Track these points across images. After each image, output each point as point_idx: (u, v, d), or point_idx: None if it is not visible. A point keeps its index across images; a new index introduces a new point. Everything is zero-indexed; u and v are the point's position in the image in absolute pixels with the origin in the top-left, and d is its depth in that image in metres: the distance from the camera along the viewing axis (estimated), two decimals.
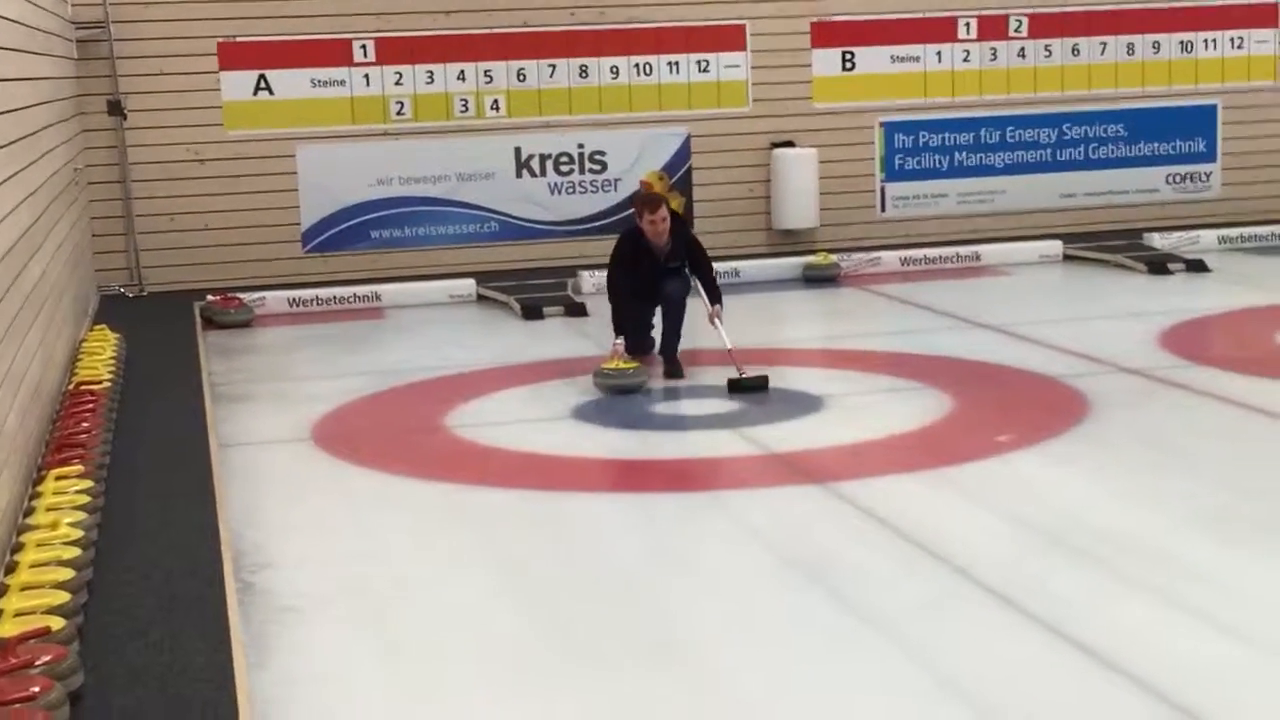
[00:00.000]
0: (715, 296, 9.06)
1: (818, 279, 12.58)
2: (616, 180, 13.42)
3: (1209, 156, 14.41)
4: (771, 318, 11.57)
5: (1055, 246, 13.29)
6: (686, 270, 9.17)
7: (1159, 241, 13.21)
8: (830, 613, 5.24)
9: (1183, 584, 5.29)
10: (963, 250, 13.25)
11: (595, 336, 10.61)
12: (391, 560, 6.04)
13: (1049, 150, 14.13)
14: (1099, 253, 12.96)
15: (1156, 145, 14.27)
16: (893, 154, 13.91)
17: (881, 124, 13.87)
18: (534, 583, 5.69)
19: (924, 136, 13.94)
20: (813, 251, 13.12)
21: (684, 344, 9.18)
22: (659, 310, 9.27)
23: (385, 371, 9.69)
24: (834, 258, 12.80)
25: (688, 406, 8.49)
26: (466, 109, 13.14)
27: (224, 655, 4.81)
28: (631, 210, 9.61)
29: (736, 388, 8.33)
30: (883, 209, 13.96)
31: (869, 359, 9.57)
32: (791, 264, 12.89)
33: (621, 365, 8.59)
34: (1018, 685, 4.54)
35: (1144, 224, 13.91)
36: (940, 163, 14.01)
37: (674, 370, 8.93)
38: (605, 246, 13.15)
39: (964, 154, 14.03)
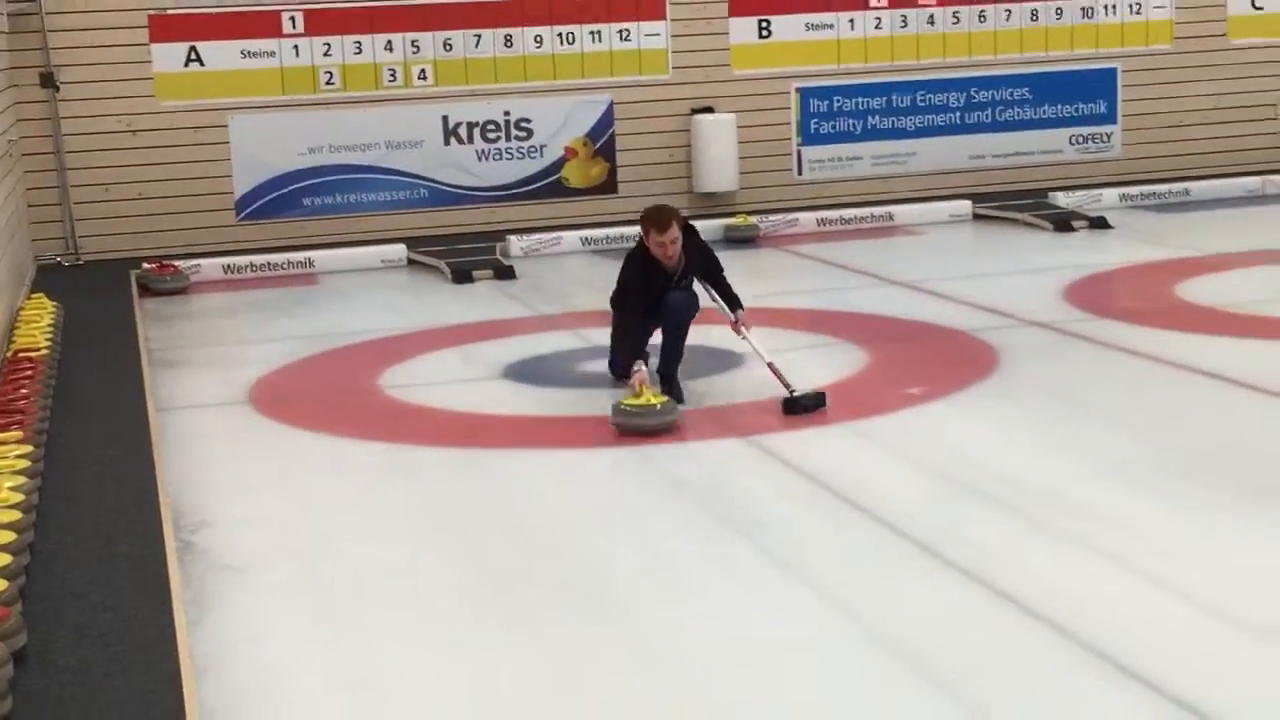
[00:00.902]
0: (736, 303, 7.59)
1: (738, 240, 12.58)
2: (542, 146, 13.39)
3: (1110, 118, 14.53)
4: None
5: (964, 206, 13.36)
6: (694, 283, 7.61)
7: (1063, 200, 13.30)
8: (756, 562, 5.26)
9: (1090, 527, 5.34)
10: (876, 211, 13.29)
11: (523, 298, 10.60)
12: (328, 519, 6.00)
13: (958, 114, 14.20)
14: (1006, 211, 13.05)
15: (1060, 108, 14.38)
16: (808, 119, 13.93)
17: (797, 90, 13.89)
18: (467, 538, 5.68)
19: (838, 101, 13.97)
20: (733, 214, 13.13)
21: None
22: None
23: (319, 335, 9.62)
24: (753, 219, 12.82)
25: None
26: (395, 79, 13.04)
27: (164, 614, 4.78)
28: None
29: (794, 408, 6.87)
30: (799, 172, 13.99)
31: (788, 316, 9.59)
32: (712, 226, 12.80)
33: (651, 400, 6.72)
34: (942, 632, 4.56)
35: (1049, 183, 14.02)
36: (854, 127, 14.05)
37: (674, 394, 7.18)
38: (531, 211, 13.28)
39: (877, 118, 14.08)
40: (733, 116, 13.57)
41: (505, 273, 11.46)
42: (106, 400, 7.88)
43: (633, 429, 6.67)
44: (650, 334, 7.47)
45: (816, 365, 7.98)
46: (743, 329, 7.41)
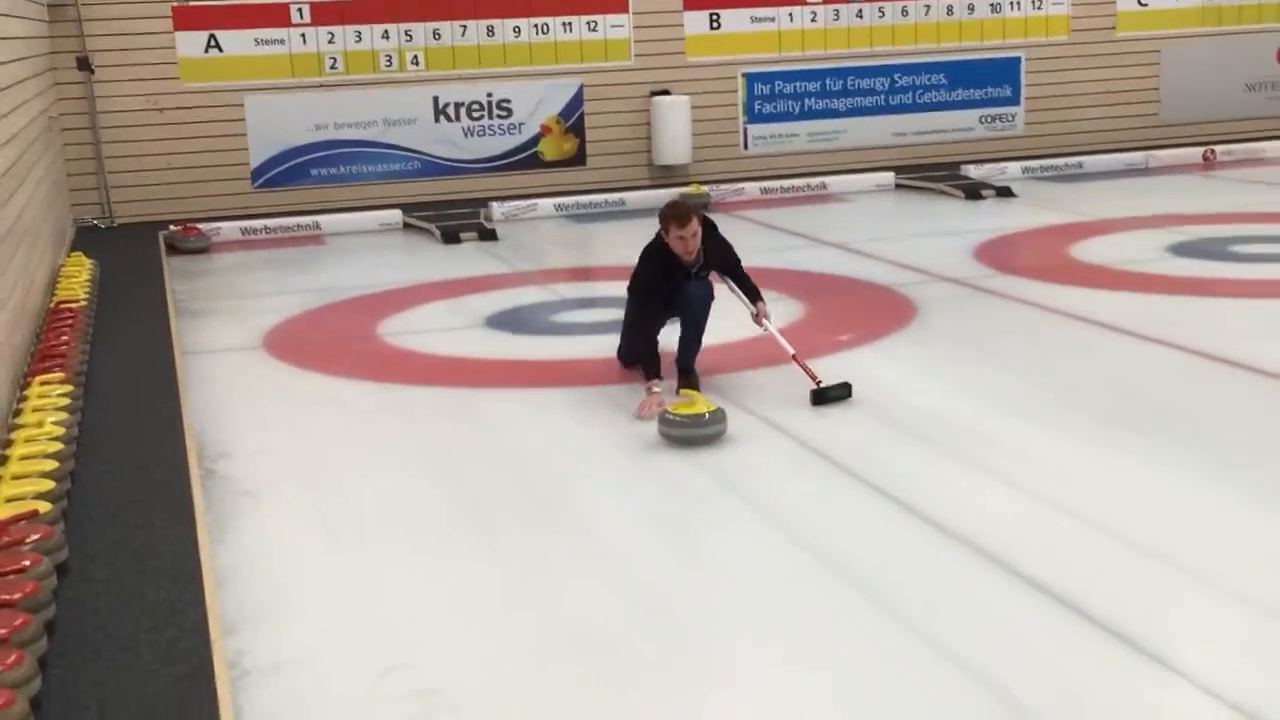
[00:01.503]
0: (755, 294, 6.60)
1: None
2: (521, 124, 13.35)
3: (1014, 100, 14.55)
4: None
5: (888, 177, 13.36)
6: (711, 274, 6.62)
7: (973, 172, 13.32)
8: (710, 486, 5.28)
9: (994, 454, 5.39)
10: (812, 181, 13.27)
11: (504, 257, 10.57)
12: (332, 450, 5.99)
13: (883, 96, 14.19)
14: (924, 182, 13.07)
15: (971, 91, 14.38)
16: (753, 100, 13.90)
17: (743, 75, 13.84)
18: (454, 467, 5.68)
19: (779, 85, 13.93)
20: (687, 183, 13.12)
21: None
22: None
23: (325, 289, 9.57)
24: (705, 188, 12.79)
25: (582, 315, 8.45)
26: (391, 64, 12.95)
27: (189, 532, 4.78)
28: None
29: (822, 399, 6.05)
30: (745, 147, 13.96)
31: None
32: (669, 194, 12.82)
33: (705, 406, 5.63)
34: (869, 545, 4.60)
35: (961, 157, 14.04)
36: (793, 107, 14.03)
37: (691, 384, 6.27)
38: (511, 181, 13.22)
39: (812, 100, 14.05)
40: (687, 98, 13.53)
41: (488, 235, 11.41)
42: (138, 346, 7.84)
43: (682, 439, 5.54)
44: (664, 324, 6.53)
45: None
46: (764, 320, 6.46)
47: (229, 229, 11.90)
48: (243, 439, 6.10)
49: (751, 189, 13.10)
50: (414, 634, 4.06)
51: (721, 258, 6.56)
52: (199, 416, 6.37)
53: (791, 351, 6.20)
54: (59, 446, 5.41)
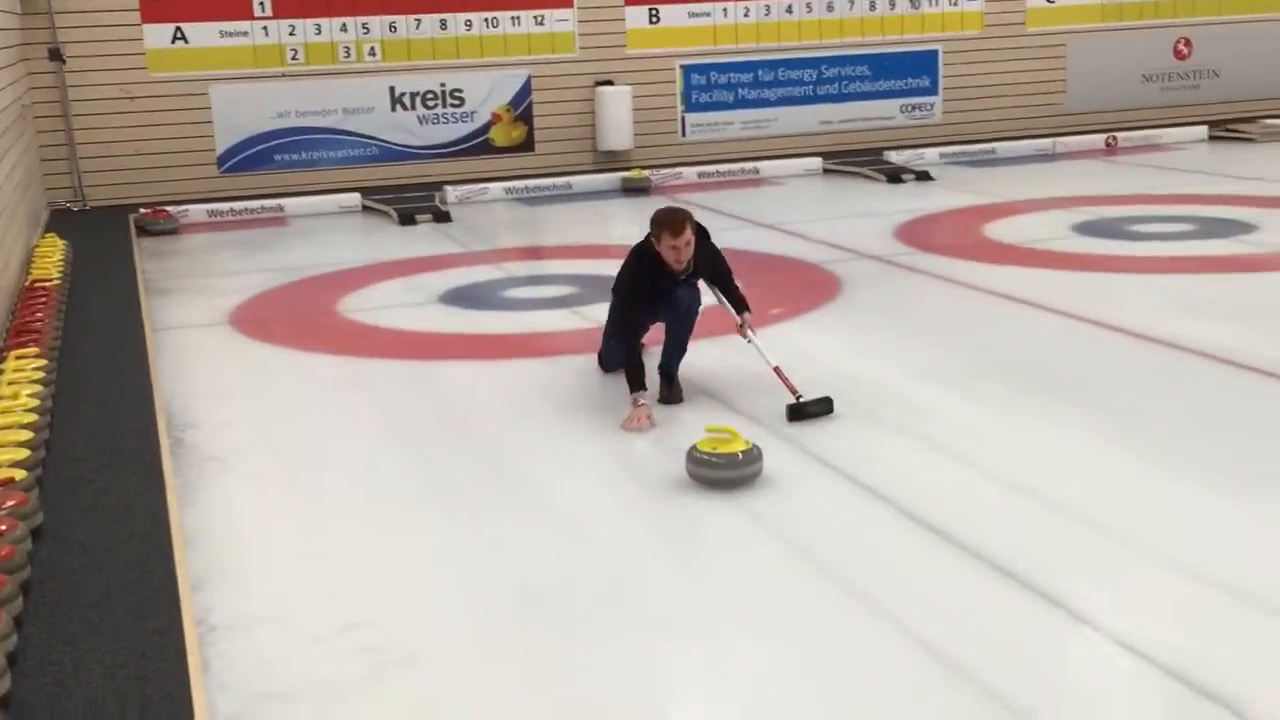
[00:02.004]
0: (742, 304, 5.88)
1: (633, 189, 12.53)
2: (473, 112, 13.23)
3: (932, 90, 14.59)
4: (598, 220, 11.52)
5: (816, 162, 13.37)
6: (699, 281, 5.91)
7: (894, 157, 13.37)
8: (651, 451, 5.26)
9: (914, 418, 5.41)
10: (745, 166, 13.27)
11: (457, 238, 10.48)
12: (296, 419, 5.92)
13: (811, 86, 14.19)
14: (849, 166, 13.09)
15: (892, 82, 14.41)
16: (690, 90, 13.85)
17: (681, 66, 13.79)
18: (411, 434, 5.63)
19: (714, 76, 13.90)
20: (629, 168, 13.07)
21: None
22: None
23: (288, 268, 9.46)
24: (646, 173, 12.76)
25: (532, 292, 8.41)
26: (349, 55, 12.80)
27: (159, 497, 4.71)
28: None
29: (799, 415, 5.38)
30: (683, 134, 13.92)
31: None
32: (612, 178, 12.83)
33: (740, 444, 4.67)
34: (797, 502, 4.60)
35: (883, 144, 14.08)
36: (728, 97, 14.00)
37: (674, 394, 5.76)
38: (464, 166, 13.11)
39: (745, 90, 14.03)
40: (629, 88, 13.47)
41: (443, 217, 11.32)
42: (109, 322, 7.72)
43: (716, 482, 4.62)
44: (648, 329, 5.90)
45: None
46: (749, 332, 5.77)
47: (196, 211, 11.75)
48: (210, 409, 6.02)
49: (689, 173, 13.07)
50: (373, 592, 4.02)
51: (711, 266, 5.84)
52: (168, 388, 6.28)
53: (774, 364, 5.58)
54: (34, 417, 5.32)
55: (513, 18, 13.18)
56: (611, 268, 8.35)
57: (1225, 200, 10.31)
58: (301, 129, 12.78)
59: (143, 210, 11.45)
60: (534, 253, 10.50)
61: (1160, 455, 4.92)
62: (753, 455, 4.65)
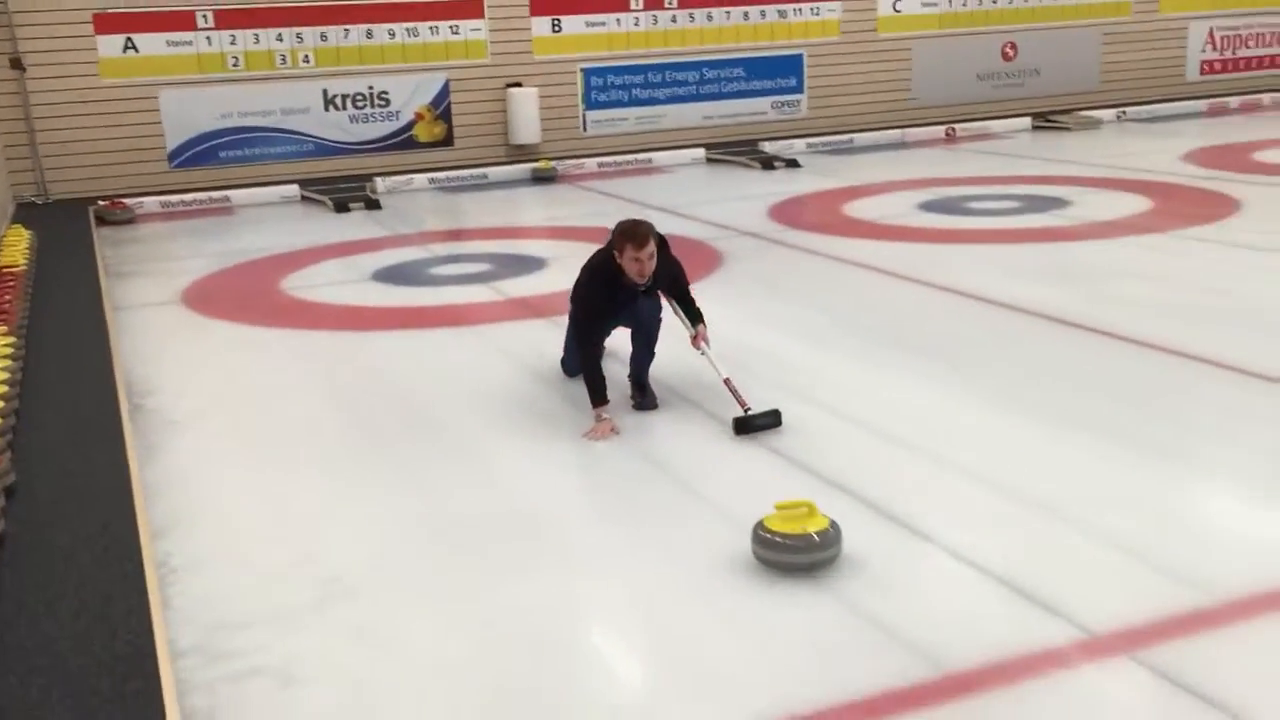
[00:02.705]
0: (697, 317, 5.10)
1: (541, 178, 12.44)
2: (398, 112, 13.01)
3: (799, 89, 14.65)
4: (511, 207, 11.43)
5: (700, 153, 13.37)
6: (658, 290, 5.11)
7: (768, 147, 13.41)
8: (554, 399, 5.25)
9: (789, 374, 5.44)
10: (639, 156, 13.24)
11: (386, 223, 10.33)
12: (246, 386, 5.81)
13: (695, 86, 14.16)
14: (729, 155, 13.11)
15: (764, 82, 14.44)
16: (590, 90, 13.76)
17: (581, 69, 13.68)
18: (349, 396, 5.56)
19: (610, 78, 13.81)
20: (537, 159, 12.96)
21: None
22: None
23: (235, 252, 9.26)
24: (552, 163, 12.67)
25: (455, 269, 8.32)
26: (285, 62, 12.49)
27: (121, 456, 4.60)
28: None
29: (746, 428, 4.67)
30: (584, 129, 13.83)
31: (578, 232, 9.52)
32: (523, 169, 12.73)
33: (815, 522, 3.54)
34: (686, 452, 4.62)
35: (757, 136, 14.11)
36: (623, 96, 13.92)
37: (646, 400, 5.08)
38: (391, 160, 12.90)
39: (638, 90, 13.96)
40: (536, 89, 13.34)
41: (374, 205, 11.15)
42: (73, 303, 7.49)
43: (787, 567, 3.49)
44: (608, 335, 5.24)
45: None
46: (702, 344, 5.04)
47: (151, 203, 11.43)
48: (166, 378, 5.89)
49: (590, 163, 12.99)
50: (317, 533, 3.98)
51: (670, 277, 5.07)
52: (127, 360, 6.13)
53: (724, 376, 4.91)
54: (4, 389, 5.17)
55: (431, 27, 12.97)
56: (524, 248, 8.36)
57: (1046, 180, 10.52)
58: (244, 128, 12.47)
59: (102, 202, 11.12)
60: (455, 235, 10.38)
61: (993, 398, 5.02)
62: (829, 536, 3.52)
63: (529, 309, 6.98)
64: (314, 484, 4.43)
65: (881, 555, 3.60)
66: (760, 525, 3.57)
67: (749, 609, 3.35)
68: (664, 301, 5.10)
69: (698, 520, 3.95)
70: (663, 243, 4.99)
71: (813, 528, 3.51)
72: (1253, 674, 2.89)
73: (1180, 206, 8.99)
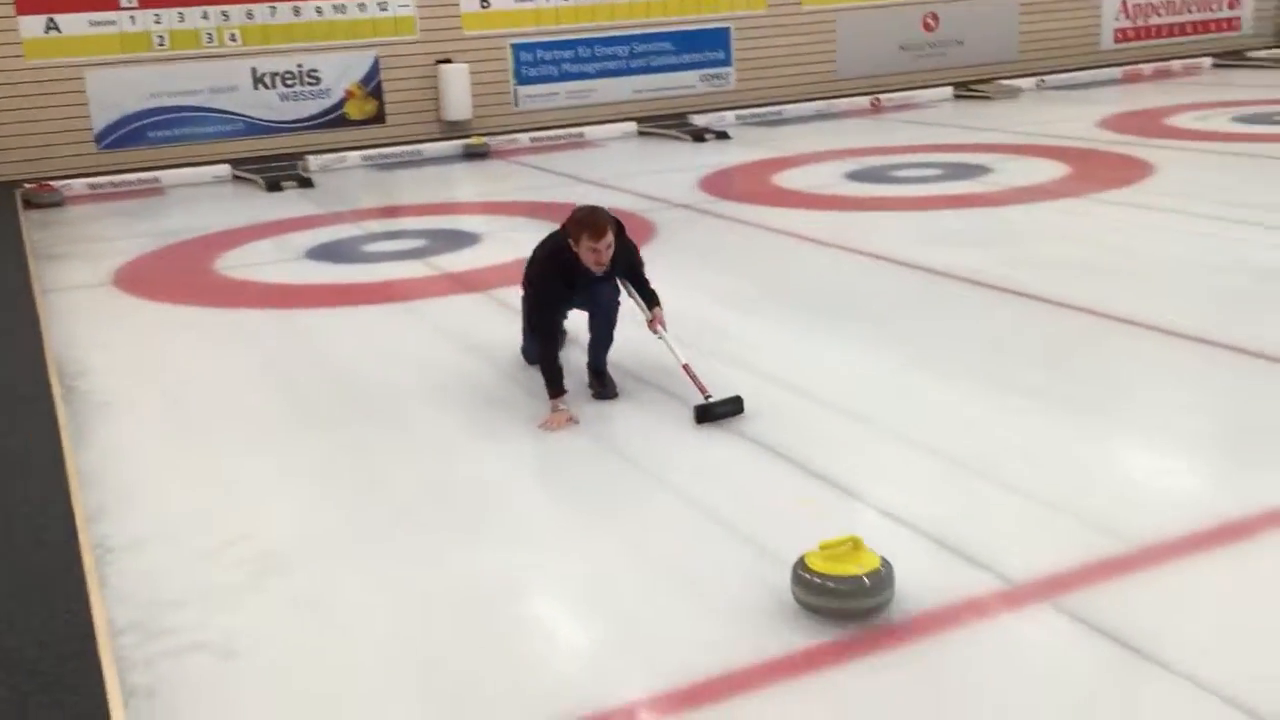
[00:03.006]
0: (653, 300, 4.89)
1: (474, 154, 12.33)
2: (328, 90, 12.80)
3: (727, 62, 14.65)
4: (444, 183, 11.32)
5: (631, 126, 13.34)
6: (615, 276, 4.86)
7: (698, 120, 13.41)
8: (491, 373, 5.23)
9: (719, 340, 5.46)
10: (571, 131, 13.17)
11: (320, 201, 10.18)
12: (178, 365, 5.72)
13: (624, 61, 14.10)
14: (659, 129, 13.09)
15: (693, 55, 14.41)
16: (520, 66, 13.64)
17: (511, 45, 13.56)
18: (284, 373, 5.49)
19: (540, 54, 13.71)
20: (469, 135, 12.85)
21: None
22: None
23: (167, 233, 9.07)
24: (484, 139, 12.56)
25: (389, 246, 8.23)
26: (212, 40, 12.23)
27: (55, 438, 4.53)
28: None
29: (707, 416, 4.44)
30: (516, 104, 13.72)
31: (511, 207, 9.48)
32: (455, 145, 12.60)
33: (863, 562, 3.06)
34: (624, 414, 4.63)
35: (688, 109, 14.11)
36: (553, 71, 13.82)
37: (607, 389, 4.83)
38: (323, 138, 12.71)
39: (569, 65, 13.87)
40: (466, 65, 13.20)
41: (306, 183, 10.98)
42: (2, 285, 7.30)
43: (834, 614, 3.02)
44: (565, 318, 5.09)
45: (532, 239, 7.86)
46: (659, 327, 4.81)
47: (79, 185, 11.16)
48: (98, 360, 5.77)
49: (523, 139, 12.90)
50: (255, 510, 3.94)
51: (627, 261, 4.82)
52: (59, 343, 6.00)
53: (683, 361, 4.67)
54: None
55: (359, 4, 12.77)
56: (458, 223, 8.29)
57: (968, 148, 10.64)
58: (172, 108, 12.20)
59: (29, 185, 10.84)
60: (389, 212, 10.26)
61: (919, 360, 5.09)
62: (881, 579, 3.04)
63: (464, 284, 6.94)
64: (251, 462, 4.38)
65: (813, 516, 3.65)
66: (802, 564, 3.08)
67: (686, 573, 3.37)
68: (621, 285, 4.87)
69: (638, 492, 3.97)
70: (619, 228, 4.72)
71: (863, 568, 3.03)
72: (1163, 616, 2.98)
73: (1096, 171, 9.14)
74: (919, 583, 3.17)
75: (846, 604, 2.99)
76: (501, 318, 6.14)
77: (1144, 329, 5.25)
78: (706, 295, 6.36)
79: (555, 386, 4.58)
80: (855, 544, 3.08)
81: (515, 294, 6.33)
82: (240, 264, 7.82)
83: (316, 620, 3.20)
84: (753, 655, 2.88)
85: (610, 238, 4.56)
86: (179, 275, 7.67)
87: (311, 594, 3.35)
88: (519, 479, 4.13)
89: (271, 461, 4.37)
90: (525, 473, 4.20)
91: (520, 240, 7.62)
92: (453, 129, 13.25)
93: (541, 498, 3.99)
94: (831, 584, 3.00)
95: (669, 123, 13.32)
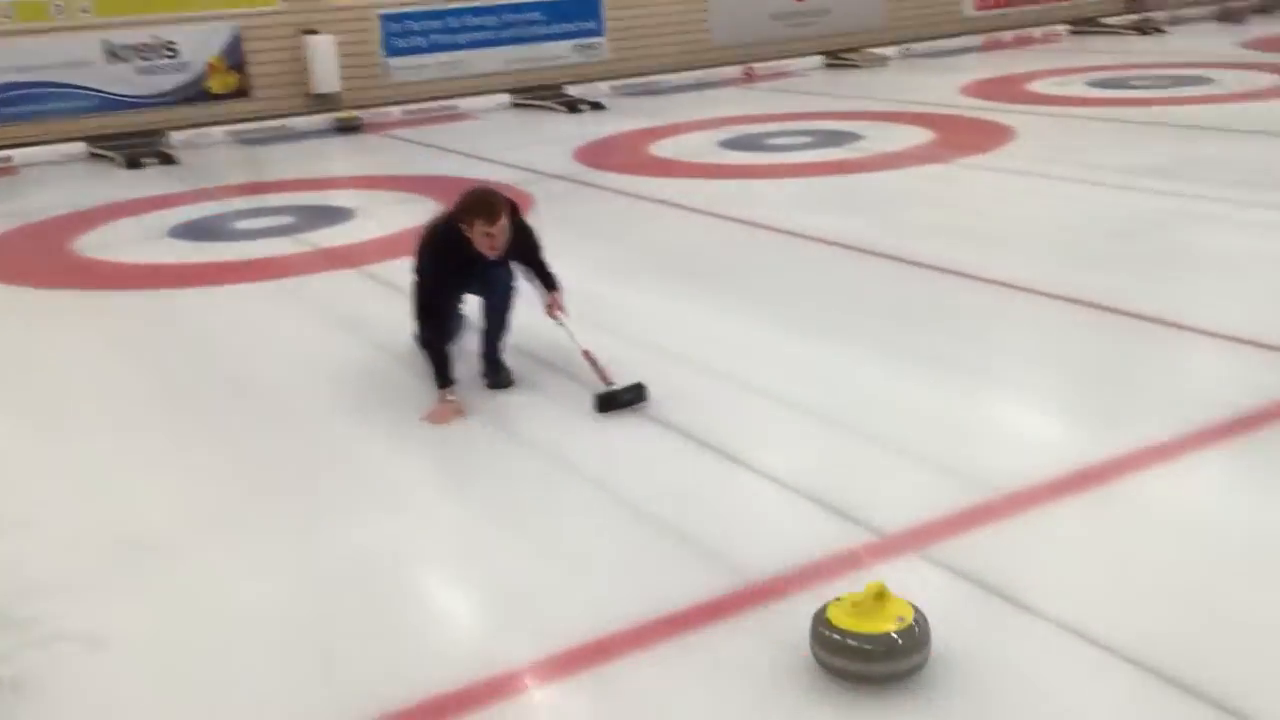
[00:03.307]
0: (552, 282, 4.70)
1: (346, 129, 12.10)
2: (188, 63, 12.36)
3: (599, 32, 14.59)
4: (315, 158, 11.08)
5: (505, 98, 13.23)
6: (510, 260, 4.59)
7: (572, 90, 13.36)
8: (368, 350, 5.16)
9: (596, 309, 5.39)
10: (444, 103, 12.99)
11: (183, 178, 9.88)
12: (39, 351, 5.52)
13: (495, 31, 13.92)
14: (533, 100, 13.01)
15: (564, 25, 14.30)
16: (389, 37, 13.38)
17: (379, 16, 13.29)
18: (152, 354, 5.35)
19: (409, 24, 13.45)
20: (339, 109, 12.58)
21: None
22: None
23: (19, 213, 8.71)
24: (356, 113, 12.32)
25: (255, 223, 8.03)
26: (61, 12, 11.71)
27: None
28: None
29: (610, 405, 4.25)
30: (387, 76, 13.47)
31: (384, 181, 9.34)
32: (326, 119, 12.34)
33: (895, 617, 2.64)
34: (526, 405, 4.59)
35: (562, 79, 14.02)
36: (423, 43, 13.59)
37: (501, 378, 4.61)
38: (185, 113, 12.29)
39: (439, 36, 13.65)
40: (333, 37, 12.89)
41: (168, 160, 10.65)
42: None
43: (859, 677, 2.62)
44: (457, 307, 4.65)
45: (406, 214, 7.79)
46: (558, 312, 4.64)
47: None
48: None
49: (395, 112, 12.70)
50: (123, 495, 3.84)
51: (522, 243, 4.57)
52: None
53: (585, 348, 4.51)
54: None
55: None
56: (330, 199, 8.13)
57: (838, 116, 10.83)
58: (22, 84, 11.62)
59: None
60: (257, 188, 10.00)
61: (794, 323, 5.19)
62: (916, 637, 2.64)
63: (337, 259, 6.82)
64: (118, 447, 4.26)
65: (695, 478, 3.71)
66: (823, 619, 2.68)
67: (564, 536, 3.40)
68: (517, 270, 4.64)
69: (522, 464, 3.97)
70: (514, 210, 4.48)
71: (894, 624, 2.63)
72: (1025, 560, 3.12)
73: (960, 137, 9.40)
74: (791, 539, 3.26)
75: (882, 668, 2.60)
76: (376, 294, 6.07)
77: (1006, 288, 5.43)
78: (581, 263, 6.26)
79: (443, 376, 4.35)
80: (880, 593, 2.67)
81: (391, 269, 6.32)
82: (100, 244, 7.55)
83: (189, 604, 3.14)
84: (631, 613, 2.93)
85: (504, 221, 4.32)
86: (36, 257, 7.38)
87: (184, 578, 3.29)
88: (403, 457, 4.09)
89: (141, 446, 4.26)
90: (410, 449, 4.16)
91: (393, 214, 7.54)
92: (322, 103, 12.94)
93: (424, 474, 3.96)
94: (864, 646, 2.59)
95: (543, 93, 13.23)
